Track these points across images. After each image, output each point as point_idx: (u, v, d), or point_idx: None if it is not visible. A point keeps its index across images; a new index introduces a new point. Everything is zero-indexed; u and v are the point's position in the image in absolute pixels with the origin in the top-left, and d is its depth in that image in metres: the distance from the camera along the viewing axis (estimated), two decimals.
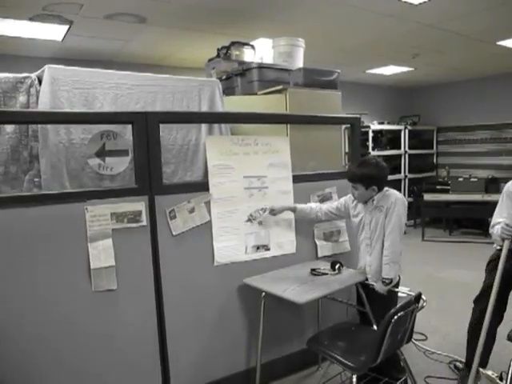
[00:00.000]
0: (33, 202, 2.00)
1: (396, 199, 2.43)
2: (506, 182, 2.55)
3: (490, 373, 2.54)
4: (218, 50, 4.10)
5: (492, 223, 2.48)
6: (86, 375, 2.16)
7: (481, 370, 2.52)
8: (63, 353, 2.09)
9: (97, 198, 2.14)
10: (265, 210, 2.69)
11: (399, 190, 2.71)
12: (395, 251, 2.42)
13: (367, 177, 2.42)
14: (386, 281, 2.41)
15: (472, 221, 7.15)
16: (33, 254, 2.00)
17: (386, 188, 2.51)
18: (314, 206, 2.78)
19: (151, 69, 4.45)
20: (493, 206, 2.57)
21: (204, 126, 2.91)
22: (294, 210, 2.75)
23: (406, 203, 2.49)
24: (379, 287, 2.45)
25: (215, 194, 2.52)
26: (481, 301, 2.55)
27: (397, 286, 2.54)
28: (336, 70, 3.73)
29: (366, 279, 2.54)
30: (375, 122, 7.46)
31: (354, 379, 2.06)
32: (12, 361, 1.98)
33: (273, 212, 2.71)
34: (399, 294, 2.52)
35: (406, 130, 7.72)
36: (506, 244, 2.33)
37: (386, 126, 7.54)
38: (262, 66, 3.67)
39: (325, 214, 2.74)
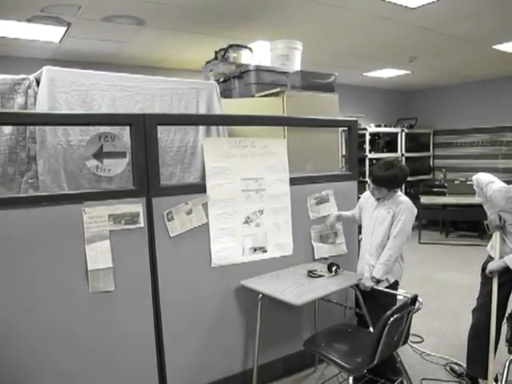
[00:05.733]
0: (30, 204, 2.00)
1: (406, 207, 2.51)
2: None
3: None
4: (216, 52, 4.11)
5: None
6: (83, 376, 2.16)
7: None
8: (60, 354, 2.09)
9: (94, 200, 2.14)
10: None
11: None
12: (392, 255, 2.48)
13: (392, 180, 2.51)
14: (374, 279, 2.49)
15: (468, 223, 7.16)
16: (30, 256, 2.00)
17: (399, 192, 2.60)
18: (348, 213, 2.93)
19: (149, 71, 4.48)
20: None
21: (202, 128, 2.91)
22: (339, 216, 2.91)
23: (416, 212, 2.56)
24: (366, 282, 2.49)
25: (213, 195, 2.53)
26: (479, 311, 2.53)
27: (395, 288, 2.56)
28: (333, 73, 3.76)
29: None
30: (372, 124, 7.47)
31: (351, 381, 2.07)
32: (9, 361, 1.98)
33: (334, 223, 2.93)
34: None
35: (403, 133, 7.73)
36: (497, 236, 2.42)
37: (382, 129, 7.55)
38: (259, 69, 3.68)
39: (354, 216, 2.88)
